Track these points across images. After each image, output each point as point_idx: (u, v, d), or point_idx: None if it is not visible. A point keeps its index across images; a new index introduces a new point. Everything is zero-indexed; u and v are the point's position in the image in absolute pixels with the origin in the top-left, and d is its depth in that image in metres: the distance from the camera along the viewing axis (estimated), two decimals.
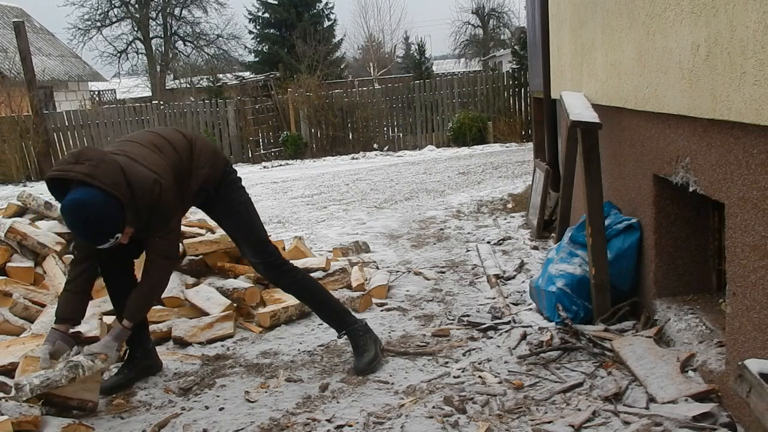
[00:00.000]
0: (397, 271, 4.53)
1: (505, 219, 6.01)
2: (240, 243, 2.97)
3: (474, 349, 3.09)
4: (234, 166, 3.03)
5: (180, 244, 2.74)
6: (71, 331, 3.03)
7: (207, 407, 2.72)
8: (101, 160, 2.44)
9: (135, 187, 2.46)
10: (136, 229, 2.58)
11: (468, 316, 3.53)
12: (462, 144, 13.47)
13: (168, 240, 2.67)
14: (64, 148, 13.75)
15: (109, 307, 3.53)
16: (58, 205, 4.03)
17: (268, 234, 3.04)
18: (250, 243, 2.93)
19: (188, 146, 2.78)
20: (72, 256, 2.87)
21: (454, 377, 2.80)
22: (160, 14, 28.98)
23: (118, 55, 28.29)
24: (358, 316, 3.54)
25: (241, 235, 2.94)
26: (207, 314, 3.54)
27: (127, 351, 3.03)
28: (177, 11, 29.14)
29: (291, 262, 3.10)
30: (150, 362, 3.06)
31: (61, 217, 3.97)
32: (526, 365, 2.85)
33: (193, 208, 3.01)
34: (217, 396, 2.82)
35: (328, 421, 2.51)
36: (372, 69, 27.47)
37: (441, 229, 5.86)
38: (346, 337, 3.03)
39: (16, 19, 15.77)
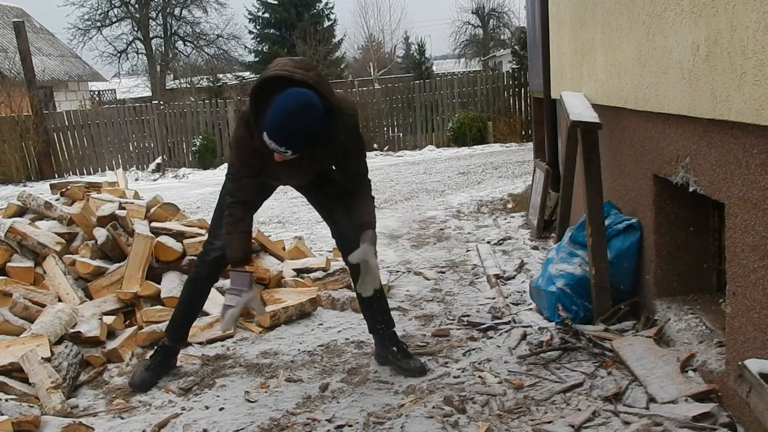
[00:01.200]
0: (397, 271, 4.53)
1: (505, 219, 6.01)
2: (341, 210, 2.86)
3: (474, 349, 3.09)
4: None
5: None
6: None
7: (207, 407, 2.72)
8: (323, 75, 2.44)
9: (344, 106, 2.49)
10: (321, 155, 2.55)
11: (468, 316, 3.53)
12: (462, 144, 13.46)
13: (363, 160, 2.68)
14: (64, 148, 13.75)
15: (110, 307, 3.55)
16: (60, 205, 4.05)
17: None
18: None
19: None
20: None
21: (454, 377, 2.80)
22: (160, 14, 28.96)
23: (118, 55, 28.29)
24: (358, 316, 3.54)
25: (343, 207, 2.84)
26: (207, 314, 3.54)
27: (166, 348, 3.03)
28: (177, 11, 29.12)
29: None
30: (174, 362, 3.07)
31: (61, 216, 3.98)
32: (526, 365, 2.85)
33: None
34: (217, 396, 2.82)
35: (328, 421, 2.51)
36: (372, 69, 27.47)
37: (441, 229, 5.86)
38: (389, 332, 2.94)
39: (16, 19, 15.77)
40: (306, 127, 2.28)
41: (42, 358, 2.84)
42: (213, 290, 3.74)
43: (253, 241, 4.17)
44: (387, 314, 2.98)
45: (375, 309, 2.95)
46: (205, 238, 3.92)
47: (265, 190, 2.85)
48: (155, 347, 3.10)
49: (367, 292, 2.67)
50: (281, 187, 3.05)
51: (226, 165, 12.63)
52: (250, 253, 2.72)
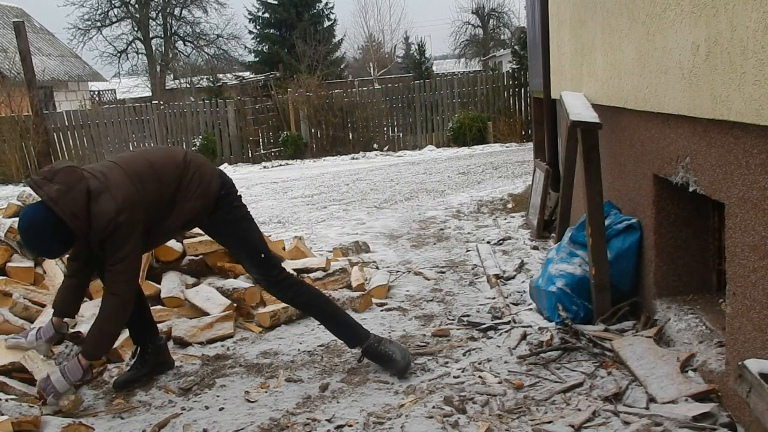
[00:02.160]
0: (397, 271, 4.53)
1: (505, 219, 6.01)
2: (242, 261, 2.98)
3: (474, 349, 3.09)
4: (234, 166, 3.03)
5: (132, 286, 2.70)
6: (72, 331, 3.04)
7: (207, 407, 2.72)
8: (71, 187, 2.48)
9: (93, 218, 2.51)
10: (95, 252, 2.66)
11: (468, 316, 3.53)
12: (462, 144, 13.47)
13: (113, 273, 2.61)
14: (64, 148, 13.76)
15: None
16: None
17: (268, 247, 3.00)
18: (252, 260, 2.90)
19: (177, 178, 2.72)
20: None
21: (454, 377, 2.80)
22: (160, 14, 28.95)
23: (118, 55, 28.28)
24: (358, 316, 3.55)
25: (242, 254, 2.94)
26: (207, 314, 3.54)
27: (137, 348, 3.05)
28: (177, 11, 29.11)
29: (294, 276, 3.05)
30: (163, 359, 3.08)
31: None
32: (526, 365, 2.85)
33: None
34: (217, 396, 2.82)
35: (328, 421, 2.51)
36: (372, 69, 27.45)
37: (441, 229, 5.86)
38: (364, 357, 2.95)
39: (16, 19, 15.76)
40: (38, 243, 2.56)
41: (43, 356, 2.85)
42: (211, 289, 3.75)
43: None
44: (344, 336, 2.98)
45: (334, 334, 3.04)
46: (204, 238, 3.93)
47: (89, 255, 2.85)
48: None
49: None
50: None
51: (225, 165, 12.63)
52: (74, 311, 2.88)
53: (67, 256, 2.84)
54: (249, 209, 2.96)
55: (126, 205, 2.53)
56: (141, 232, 2.61)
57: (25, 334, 2.93)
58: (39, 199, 2.49)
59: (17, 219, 3.87)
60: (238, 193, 2.94)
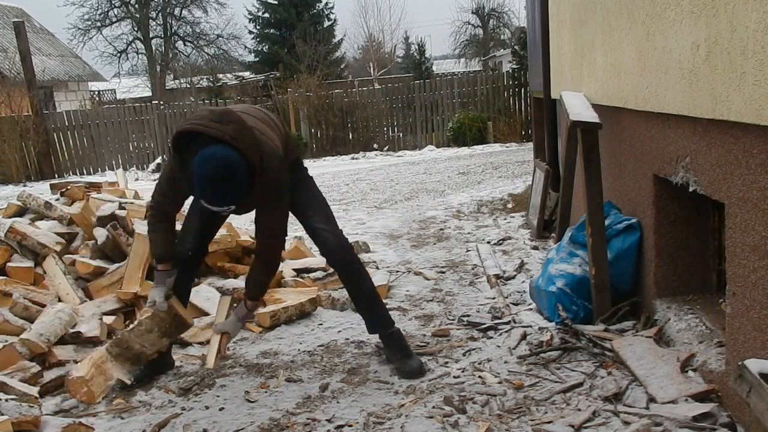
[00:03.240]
0: (397, 271, 4.53)
1: (505, 219, 6.01)
2: (311, 210, 2.94)
3: (474, 349, 3.09)
4: None
5: (286, 230, 2.76)
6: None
7: (207, 407, 2.72)
8: (244, 126, 2.43)
9: (265, 160, 2.45)
10: (249, 202, 2.60)
11: (468, 316, 3.53)
12: (462, 144, 13.46)
13: (276, 218, 2.65)
14: (64, 148, 13.75)
15: (110, 307, 3.54)
16: (60, 205, 4.05)
17: None
18: (323, 212, 2.94)
19: (285, 130, 2.84)
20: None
21: (454, 377, 2.80)
22: (160, 14, 28.94)
23: (118, 55, 28.27)
24: (358, 316, 3.54)
25: (316, 205, 2.95)
26: (207, 314, 3.54)
27: None
28: (177, 11, 29.11)
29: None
30: (166, 360, 3.08)
31: (61, 216, 3.98)
32: (526, 365, 2.85)
33: None
34: (217, 396, 2.82)
35: (328, 421, 2.51)
36: (372, 69, 27.45)
37: (441, 229, 5.86)
38: (382, 340, 2.97)
39: (16, 19, 15.76)
40: (229, 187, 2.35)
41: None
42: (211, 289, 3.75)
43: (252, 241, 4.18)
44: (381, 317, 2.99)
45: (370, 312, 3.00)
46: None
47: (180, 196, 2.81)
48: None
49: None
50: None
51: None
52: (171, 253, 2.84)
53: (149, 204, 2.85)
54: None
55: (280, 148, 2.60)
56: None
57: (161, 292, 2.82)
58: None
59: (17, 219, 3.89)
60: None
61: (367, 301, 2.99)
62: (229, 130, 2.36)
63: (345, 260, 2.97)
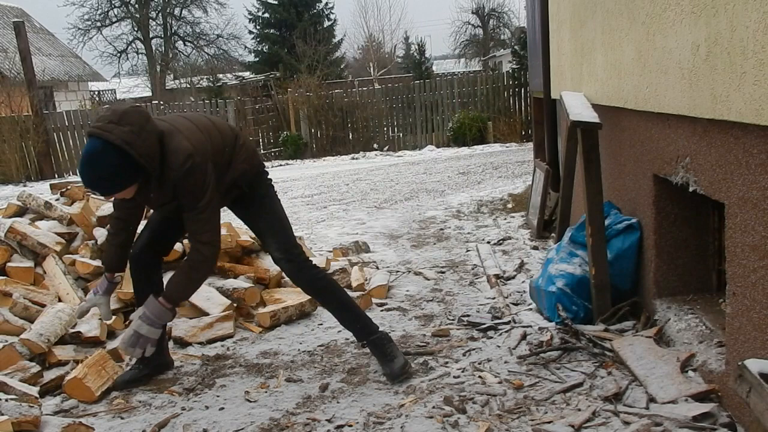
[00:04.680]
0: (397, 271, 4.53)
1: (505, 219, 6.01)
2: (268, 239, 2.93)
3: (474, 349, 3.09)
4: None
5: (218, 235, 2.67)
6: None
7: (207, 407, 2.72)
8: (142, 128, 2.44)
9: (169, 156, 2.47)
10: (165, 201, 2.63)
11: (468, 316, 3.53)
12: (462, 144, 13.47)
13: (198, 222, 2.59)
14: (64, 148, 13.75)
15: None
16: (60, 205, 4.06)
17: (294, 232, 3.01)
18: (278, 239, 2.89)
19: (233, 137, 2.81)
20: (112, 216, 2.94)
21: (454, 377, 2.80)
22: (160, 14, 28.95)
23: (118, 55, 28.29)
24: None
25: (271, 231, 2.90)
26: (207, 314, 3.54)
27: None
28: (177, 11, 29.13)
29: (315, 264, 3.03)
30: (163, 359, 3.08)
31: (61, 216, 3.98)
32: (526, 365, 2.85)
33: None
34: (217, 396, 2.82)
35: (328, 421, 2.51)
36: (372, 69, 27.47)
37: (441, 229, 5.86)
38: (367, 347, 2.95)
39: (16, 19, 15.76)
40: (93, 176, 2.45)
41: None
42: (211, 289, 3.75)
43: (252, 241, 4.18)
44: (360, 326, 2.95)
45: (348, 323, 3.00)
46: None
47: (139, 207, 2.88)
48: None
49: (121, 345, 2.74)
50: (281, 187, 3.08)
51: None
52: (122, 265, 2.93)
53: (111, 214, 2.89)
54: (274, 186, 3.01)
55: (198, 149, 2.55)
56: (215, 182, 2.61)
57: (88, 296, 2.95)
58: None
59: (17, 219, 3.90)
60: (272, 178, 3.02)
61: (341, 314, 2.98)
62: (124, 135, 2.40)
63: (306, 282, 2.95)
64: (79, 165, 2.47)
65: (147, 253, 2.95)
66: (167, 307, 2.64)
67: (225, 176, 2.73)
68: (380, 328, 2.97)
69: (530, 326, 3.28)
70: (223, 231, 3.91)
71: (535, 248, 4.80)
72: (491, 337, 3.23)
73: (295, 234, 3.07)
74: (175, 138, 2.51)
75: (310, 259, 2.98)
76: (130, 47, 28.58)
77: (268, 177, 2.96)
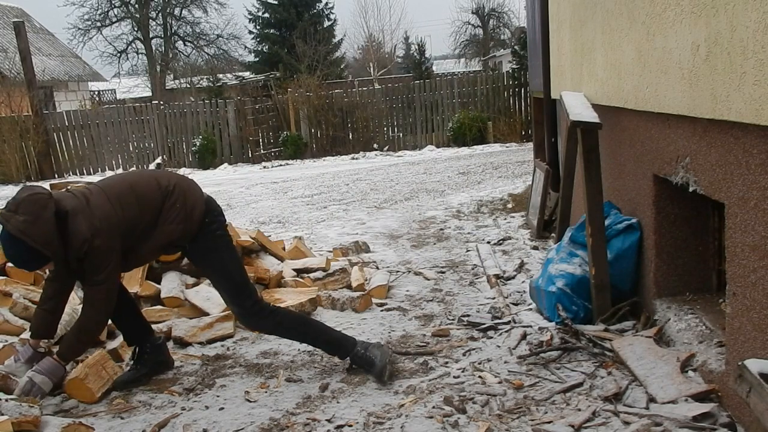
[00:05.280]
0: (397, 271, 4.53)
1: (505, 219, 6.01)
2: (218, 290, 2.97)
3: (474, 349, 3.09)
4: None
5: (110, 303, 2.77)
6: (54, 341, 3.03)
7: (207, 407, 2.72)
8: (37, 216, 2.53)
9: (69, 238, 2.58)
10: (74, 268, 2.73)
11: (468, 316, 3.53)
12: (462, 144, 13.47)
13: (93, 290, 2.71)
14: (64, 148, 13.78)
15: None
16: None
17: (247, 278, 2.96)
18: (228, 294, 2.91)
19: (159, 201, 2.77)
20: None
21: (454, 377, 2.79)
22: (160, 14, 28.94)
23: (118, 55, 28.27)
24: (358, 316, 3.55)
25: (219, 287, 2.93)
26: (207, 314, 3.54)
27: (136, 349, 3.05)
28: (177, 11, 29.11)
29: (270, 304, 3.03)
30: (162, 358, 3.08)
31: None
32: (526, 365, 2.85)
33: None
34: (217, 396, 2.82)
35: (328, 421, 2.51)
36: (372, 69, 27.46)
37: (441, 229, 5.86)
38: (353, 365, 2.93)
39: (16, 19, 15.77)
40: (11, 258, 2.65)
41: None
42: (211, 289, 3.74)
43: (252, 241, 4.18)
44: (335, 347, 2.96)
45: (323, 347, 3.02)
46: None
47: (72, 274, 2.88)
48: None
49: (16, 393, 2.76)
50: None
51: (225, 165, 12.55)
52: (51, 332, 2.91)
53: (47, 277, 2.90)
54: (226, 236, 2.96)
55: (102, 228, 2.61)
56: (119, 255, 2.70)
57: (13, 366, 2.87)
58: None
59: None
60: (225, 222, 2.98)
61: (315, 342, 3.00)
62: (18, 224, 2.51)
63: (268, 330, 3.07)
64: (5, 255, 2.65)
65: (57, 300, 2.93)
66: (61, 363, 2.80)
67: (148, 240, 2.77)
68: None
69: (530, 326, 3.28)
70: None
71: (535, 248, 4.80)
72: (491, 337, 3.23)
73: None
74: (77, 219, 2.59)
75: (266, 305, 2.97)
76: (130, 47, 28.58)
77: (217, 225, 2.89)
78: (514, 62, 14.29)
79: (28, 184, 12.60)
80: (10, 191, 11.41)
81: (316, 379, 2.90)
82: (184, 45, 29.51)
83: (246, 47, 28.34)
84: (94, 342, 2.91)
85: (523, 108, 13.63)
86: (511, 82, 13.83)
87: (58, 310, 2.89)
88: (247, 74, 24.35)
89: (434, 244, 5.36)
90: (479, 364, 2.91)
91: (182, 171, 12.92)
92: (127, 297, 3.09)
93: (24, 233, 2.50)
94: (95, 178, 11.22)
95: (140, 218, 2.73)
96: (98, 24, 27.73)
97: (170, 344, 3.41)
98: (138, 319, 3.09)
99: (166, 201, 2.78)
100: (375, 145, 14.17)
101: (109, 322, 3.39)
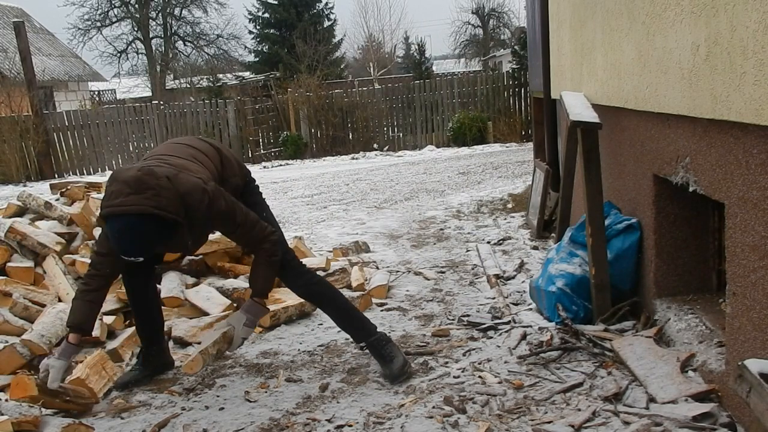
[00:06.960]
0: (397, 271, 4.53)
1: (505, 219, 6.01)
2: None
3: (474, 349, 3.09)
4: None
5: (274, 232, 2.70)
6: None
7: (207, 407, 2.72)
8: (160, 187, 2.39)
9: (185, 198, 2.44)
10: (203, 241, 2.67)
11: (468, 316, 3.53)
12: (462, 144, 13.47)
13: (246, 234, 2.63)
14: (64, 148, 13.76)
15: (110, 307, 3.54)
16: (60, 205, 4.06)
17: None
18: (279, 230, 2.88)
19: (217, 155, 2.79)
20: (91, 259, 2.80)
21: (454, 377, 2.80)
22: (160, 14, 28.95)
23: (118, 55, 28.28)
24: None
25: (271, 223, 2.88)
26: (207, 314, 3.54)
27: (141, 349, 3.06)
28: (177, 11, 29.12)
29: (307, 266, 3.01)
30: (164, 360, 3.09)
31: (61, 216, 3.99)
32: (526, 365, 2.85)
33: None
34: (217, 396, 2.82)
35: (328, 421, 2.51)
36: (372, 69, 27.46)
37: (441, 229, 5.86)
38: (366, 349, 2.93)
39: (16, 19, 15.76)
40: (134, 247, 2.41)
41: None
42: (211, 289, 3.75)
43: None
44: (356, 328, 2.95)
45: (344, 326, 2.99)
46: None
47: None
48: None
49: (231, 350, 2.84)
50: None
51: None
52: (92, 325, 2.73)
53: (87, 272, 2.73)
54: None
55: (203, 177, 2.54)
56: (228, 194, 2.60)
57: (45, 364, 2.64)
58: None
59: (17, 219, 3.90)
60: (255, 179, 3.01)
61: (338, 316, 2.97)
62: (149, 202, 2.35)
63: (302, 287, 2.94)
64: (115, 243, 2.42)
65: (141, 271, 2.88)
66: (263, 303, 2.77)
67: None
68: (379, 329, 2.97)
69: (530, 326, 3.28)
70: None
71: (535, 248, 4.80)
72: (491, 337, 3.23)
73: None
74: (180, 178, 2.47)
75: (302, 262, 2.97)
76: (130, 47, 28.59)
77: (255, 182, 2.94)
78: (514, 62, 14.29)
79: (27, 184, 12.50)
80: (10, 191, 11.41)
81: (316, 379, 2.90)
82: (184, 45, 29.55)
83: (246, 47, 28.38)
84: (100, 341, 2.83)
85: (523, 108, 13.63)
86: (511, 82, 13.83)
87: (100, 301, 2.74)
88: (247, 74, 24.36)
89: (434, 244, 5.36)
90: (479, 364, 2.91)
91: None
92: (155, 291, 3.07)
93: (158, 207, 2.35)
94: (95, 178, 11.22)
95: (216, 172, 2.71)
96: (98, 24, 27.75)
97: (170, 344, 3.41)
98: (159, 317, 3.08)
99: (222, 156, 2.79)
100: (375, 145, 14.17)
101: (109, 322, 3.40)
